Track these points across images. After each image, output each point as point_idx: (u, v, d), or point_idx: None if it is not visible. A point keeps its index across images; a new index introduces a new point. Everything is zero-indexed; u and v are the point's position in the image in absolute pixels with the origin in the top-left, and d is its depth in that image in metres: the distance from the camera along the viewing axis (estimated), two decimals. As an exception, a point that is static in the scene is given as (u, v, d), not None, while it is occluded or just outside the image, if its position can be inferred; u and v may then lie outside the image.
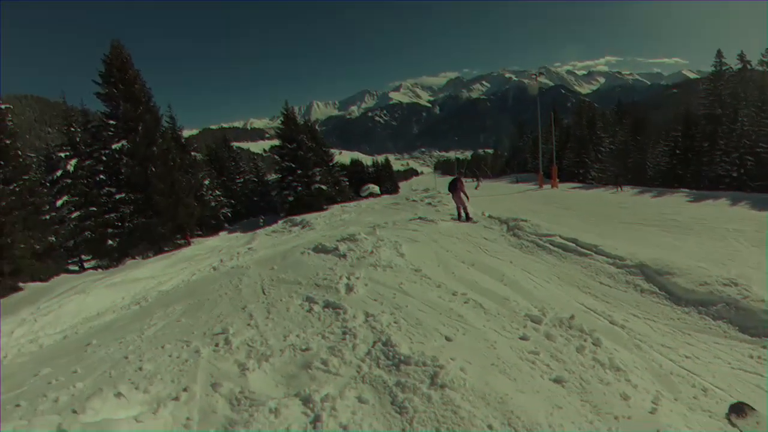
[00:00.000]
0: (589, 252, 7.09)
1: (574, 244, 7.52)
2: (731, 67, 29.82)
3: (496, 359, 3.46)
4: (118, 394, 3.20)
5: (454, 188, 12.08)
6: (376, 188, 42.78)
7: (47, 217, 16.40)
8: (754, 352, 3.88)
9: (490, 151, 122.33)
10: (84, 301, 9.61)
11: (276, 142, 31.96)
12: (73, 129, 19.66)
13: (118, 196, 19.19)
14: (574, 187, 27.21)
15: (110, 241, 18.90)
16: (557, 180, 27.09)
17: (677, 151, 29.67)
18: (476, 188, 24.90)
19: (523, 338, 3.89)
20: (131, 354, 4.31)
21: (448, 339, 3.77)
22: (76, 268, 18.77)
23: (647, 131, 35.98)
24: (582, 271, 6.42)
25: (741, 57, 30.10)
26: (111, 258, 19.04)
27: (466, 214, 11.88)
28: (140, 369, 3.76)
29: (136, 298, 8.74)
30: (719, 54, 29.58)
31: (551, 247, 7.76)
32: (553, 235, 8.25)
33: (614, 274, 6.09)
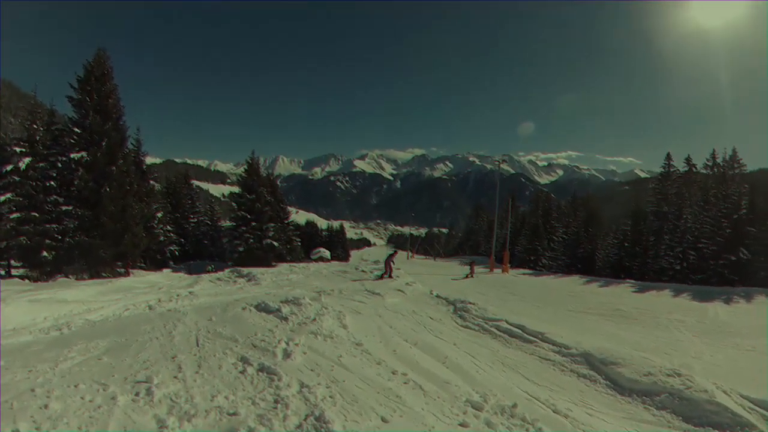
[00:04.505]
0: (534, 339, 7.17)
1: (520, 330, 7.59)
2: (678, 169, 31.94)
3: (432, 446, 3.36)
4: None
5: (389, 258, 18.32)
6: (326, 253, 42.76)
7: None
8: (699, 442, 3.90)
9: (445, 230, 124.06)
10: (1, 311, 8.84)
11: (236, 189, 31.59)
12: (35, 126, 18.67)
13: (64, 208, 18.14)
14: (524, 273, 27.82)
15: (45, 253, 17.68)
16: (508, 265, 27.68)
17: (626, 244, 30.90)
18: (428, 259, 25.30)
19: (463, 425, 3.77)
20: (39, 387, 3.93)
21: (384, 420, 3.62)
22: (2, 272, 17.37)
23: (598, 224, 37.47)
24: (527, 358, 6.43)
25: (688, 160, 32.58)
26: (42, 271, 17.72)
27: (389, 275, 17.19)
28: (46, 407, 3.42)
29: (59, 323, 8.08)
30: (668, 157, 31.81)
31: (497, 331, 7.81)
32: (500, 320, 8.33)
33: (559, 362, 6.14)
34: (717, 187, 26.17)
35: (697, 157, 38.41)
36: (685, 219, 26.93)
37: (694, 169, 32.20)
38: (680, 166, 32.29)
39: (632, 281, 22.02)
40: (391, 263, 18.17)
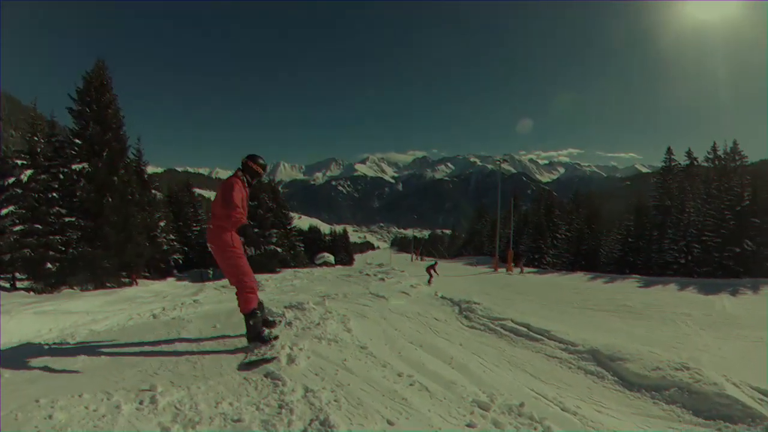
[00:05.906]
0: (540, 337, 7.09)
1: (526, 329, 7.52)
2: (680, 163, 32.35)
3: (439, 448, 3.32)
4: (20, 444, 2.89)
5: (431, 267, 20.47)
6: (330, 257, 42.63)
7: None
8: (710, 435, 3.88)
9: (449, 231, 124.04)
10: (6, 324, 8.81)
11: (237, 197, 31.76)
12: (36, 138, 18.88)
13: (67, 219, 18.33)
14: (529, 272, 27.86)
15: (50, 265, 17.80)
16: (512, 264, 27.77)
17: (629, 239, 31.12)
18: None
19: (470, 425, 3.68)
20: (43, 397, 3.93)
21: (389, 423, 3.55)
22: (7, 285, 17.48)
23: (601, 220, 37.63)
24: (533, 356, 6.35)
25: (689, 154, 32.94)
26: (47, 283, 17.86)
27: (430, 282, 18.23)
28: (50, 417, 3.37)
29: (64, 333, 8.06)
30: (669, 151, 32.09)
31: (503, 330, 7.74)
32: (505, 319, 8.27)
33: (566, 359, 6.06)
34: (719, 180, 26.24)
35: (698, 150, 38.67)
36: (688, 212, 26.98)
37: (695, 163, 32.34)
38: (681, 159, 32.45)
39: (637, 276, 22.07)
40: (432, 271, 20.38)
